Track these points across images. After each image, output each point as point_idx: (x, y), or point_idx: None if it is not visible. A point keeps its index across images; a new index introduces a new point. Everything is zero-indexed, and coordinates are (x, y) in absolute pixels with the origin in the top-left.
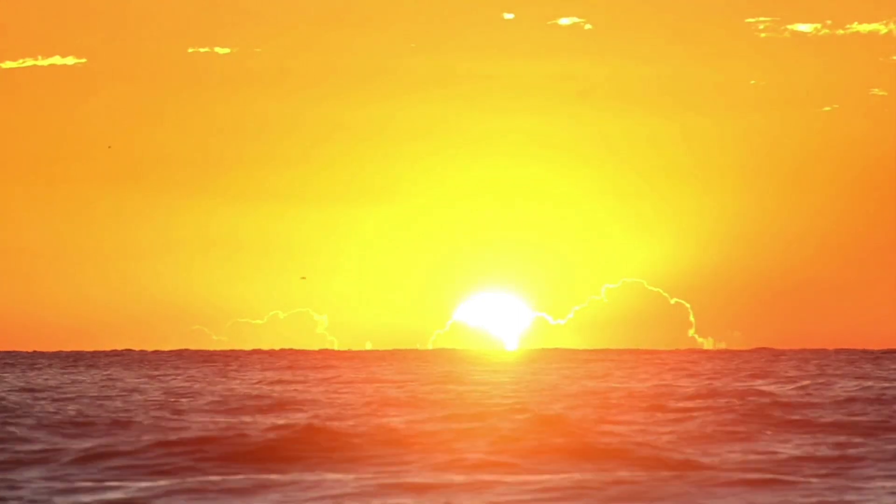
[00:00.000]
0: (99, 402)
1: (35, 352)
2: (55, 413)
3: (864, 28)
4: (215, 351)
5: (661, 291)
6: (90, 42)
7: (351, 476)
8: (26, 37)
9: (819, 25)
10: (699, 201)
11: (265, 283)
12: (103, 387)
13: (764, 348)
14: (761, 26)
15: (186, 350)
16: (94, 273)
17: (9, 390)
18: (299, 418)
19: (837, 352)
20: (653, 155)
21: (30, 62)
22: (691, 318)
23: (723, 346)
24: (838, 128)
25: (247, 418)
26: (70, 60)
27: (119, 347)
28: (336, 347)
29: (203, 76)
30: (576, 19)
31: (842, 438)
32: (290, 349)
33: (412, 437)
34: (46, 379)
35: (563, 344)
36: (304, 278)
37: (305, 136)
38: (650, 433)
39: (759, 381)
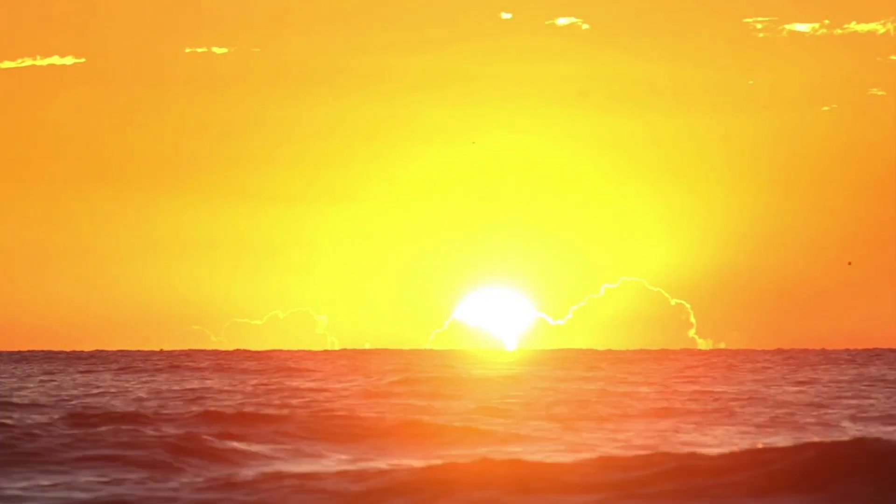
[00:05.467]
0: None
1: (32, 351)
2: None
3: (863, 28)
4: (204, 351)
5: (661, 291)
6: (89, 42)
7: None
8: (25, 37)
9: (817, 25)
10: (697, 201)
11: (264, 282)
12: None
13: (762, 350)
14: (759, 26)
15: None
16: (93, 273)
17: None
18: None
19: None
20: (651, 155)
21: (28, 62)
22: (692, 319)
23: (722, 346)
24: (837, 128)
25: None
26: (69, 60)
27: (114, 348)
28: (336, 347)
29: (201, 76)
30: (573, 19)
31: None
32: (287, 350)
33: None
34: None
35: (563, 344)
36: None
37: (306, 134)
38: None
39: None
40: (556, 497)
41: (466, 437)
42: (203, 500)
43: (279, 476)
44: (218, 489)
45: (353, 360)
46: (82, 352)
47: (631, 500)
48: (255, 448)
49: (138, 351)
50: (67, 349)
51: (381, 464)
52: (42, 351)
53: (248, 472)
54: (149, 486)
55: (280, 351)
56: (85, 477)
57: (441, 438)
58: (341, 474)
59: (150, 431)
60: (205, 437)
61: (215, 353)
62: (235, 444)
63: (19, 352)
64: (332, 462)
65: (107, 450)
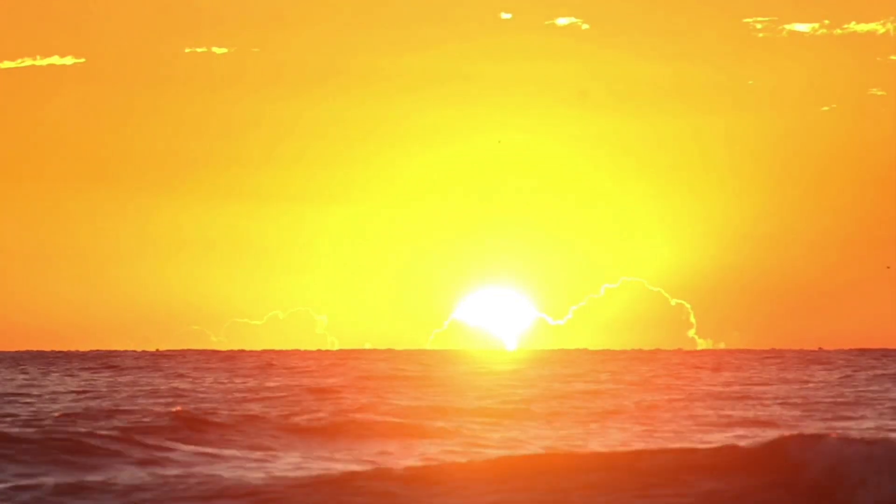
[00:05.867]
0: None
1: (28, 351)
2: None
3: (862, 28)
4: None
5: (661, 291)
6: (89, 42)
7: None
8: (25, 37)
9: (817, 25)
10: (697, 201)
11: (264, 282)
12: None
13: (760, 350)
14: (759, 26)
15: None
16: (93, 273)
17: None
18: None
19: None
20: (651, 155)
21: (28, 62)
22: (692, 319)
23: (722, 346)
24: (837, 128)
25: None
26: (69, 60)
27: (112, 348)
28: (336, 348)
29: (201, 76)
30: (573, 19)
31: None
32: (286, 350)
33: None
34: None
35: (563, 345)
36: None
37: (306, 134)
38: None
39: None
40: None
41: (366, 432)
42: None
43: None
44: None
45: (342, 359)
46: (74, 352)
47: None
48: (160, 448)
49: (132, 351)
50: (66, 349)
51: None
52: (37, 351)
53: (128, 474)
54: (25, 481)
55: (275, 351)
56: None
57: (348, 434)
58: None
59: (53, 429)
60: (93, 435)
61: (204, 353)
62: (145, 444)
63: (17, 352)
64: (233, 462)
65: (24, 445)
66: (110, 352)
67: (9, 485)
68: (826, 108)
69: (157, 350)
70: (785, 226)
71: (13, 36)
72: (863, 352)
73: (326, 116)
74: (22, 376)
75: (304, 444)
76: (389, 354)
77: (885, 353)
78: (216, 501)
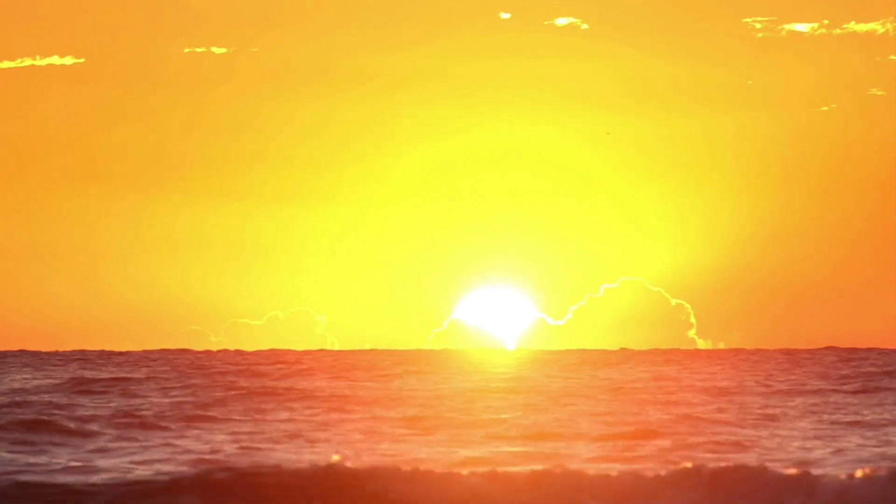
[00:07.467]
0: None
1: (24, 351)
2: None
3: (862, 28)
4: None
5: (662, 291)
6: (89, 42)
7: None
8: (25, 37)
9: (816, 25)
10: (697, 201)
11: (264, 282)
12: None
13: (761, 349)
14: (758, 26)
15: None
16: (91, 273)
17: None
18: None
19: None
20: (650, 155)
21: (28, 62)
22: (692, 320)
23: (722, 346)
24: (836, 128)
25: None
26: (69, 60)
27: (111, 348)
28: (336, 347)
29: (200, 76)
30: (572, 19)
31: None
32: (288, 350)
33: None
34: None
35: (563, 345)
36: None
37: (307, 133)
38: None
39: None
40: None
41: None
42: None
43: None
44: None
45: (294, 360)
46: (59, 352)
47: None
48: None
49: (119, 351)
50: (65, 350)
51: None
52: (33, 351)
53: None
54: None
55: (271, 351)
56: None
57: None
58: None
59: None
60: None
61: (175, 353)
62: None
63: (15, 352)
64: None
65: None
66: (85, 351)
67: None
68: (826, 108)
69: (145, 350)
70: (785, 226)
71: (13, 36)
72: (868, 352)
73: (327, 114)
74: None
75: None
76: (364, 354)
77: (853, 352)
78: None
